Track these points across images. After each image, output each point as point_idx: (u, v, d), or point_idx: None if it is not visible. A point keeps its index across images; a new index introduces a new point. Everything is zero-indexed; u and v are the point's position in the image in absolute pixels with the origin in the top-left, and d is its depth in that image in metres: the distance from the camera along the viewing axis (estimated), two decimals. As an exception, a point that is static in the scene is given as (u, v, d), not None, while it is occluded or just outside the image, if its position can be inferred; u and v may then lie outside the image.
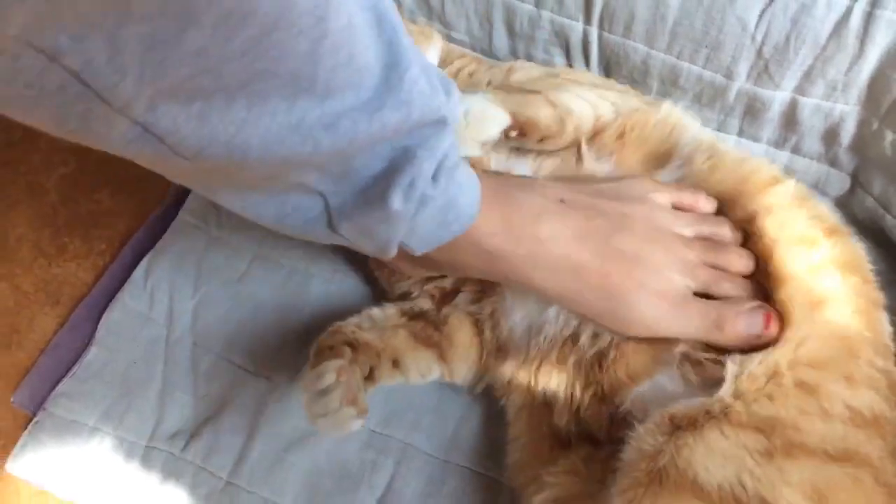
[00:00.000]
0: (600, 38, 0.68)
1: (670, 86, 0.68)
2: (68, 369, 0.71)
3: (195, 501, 0.64)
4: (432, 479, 0.64)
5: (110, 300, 0.74)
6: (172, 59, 0.34)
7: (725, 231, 0.57)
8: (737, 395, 0.48)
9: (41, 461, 0.67)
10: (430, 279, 0.63)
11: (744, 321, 0.52)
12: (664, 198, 0.57)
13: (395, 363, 0.60)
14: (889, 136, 0.61)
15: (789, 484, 0.44)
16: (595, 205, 0.56)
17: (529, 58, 0.73)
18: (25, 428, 0.69)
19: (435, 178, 0.48)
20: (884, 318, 0.54)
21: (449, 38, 0.75)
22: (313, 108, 0.40)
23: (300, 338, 0.70)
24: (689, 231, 0.56)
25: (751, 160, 0.60)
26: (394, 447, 0.66)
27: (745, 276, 0.56)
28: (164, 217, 0.79)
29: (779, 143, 0.68)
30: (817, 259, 0.52)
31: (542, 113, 0.57)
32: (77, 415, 0.68)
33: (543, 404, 0.59)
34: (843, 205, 0.69)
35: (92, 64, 0.32)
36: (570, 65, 0.72)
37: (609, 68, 0.70)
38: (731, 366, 0.49)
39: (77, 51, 0.32)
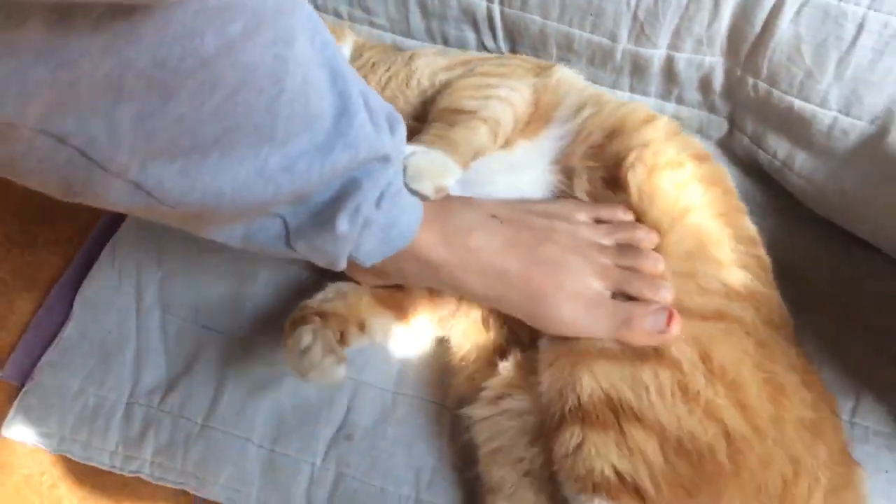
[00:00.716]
0: (502, 13, 0.77)
1: (566, 51, 0.77)
2: (50, 343, 0.79)
3: (175, 445, 0.72)
4: (384, 408, 0.74)
5: (82, 280, 0.82)
6: (157, 128, 0.41)
7: (641, 234, 0.65)
8: None
9: (33, 423, 0.74)
10: None
11: (650, 320, 0.60)
12: (584, 214, 0.66)
13: (361, 326, 0.68)
14: (750, 81, 0.71)
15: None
16: (524, 220, 0.64)
17: (445, 35, 0.82)
18: (14, 398, 0.77)
19: (378, 203, 0.55)
20: (746, 219, 0.66)
21: (371, 24, 0.83)
22: (274, 153, 0.48)
23: (258, 299, 0.79)
24: (607, 240, 0.65)
25: (629, 104, 0.70)
26: (348, 385, 0.75)
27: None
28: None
29: (665, 96, 0.78)
30: (683, 178, 0.63)
31: (483, 139, 0.66)
32: (62, 380, 0.76)
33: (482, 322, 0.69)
34: (726, 146, 0.80)
35: (94, 142, 0.40)
36: (481, 39, 0.81)
37: (513, 39, 0.80)
38: None
39: (81, 132, 0.40)
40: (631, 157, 0.65)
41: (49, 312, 0.82)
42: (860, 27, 0.63)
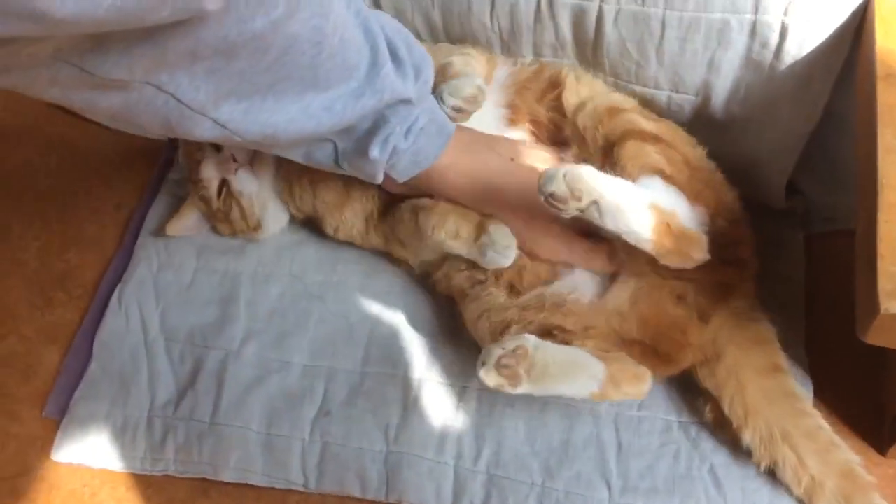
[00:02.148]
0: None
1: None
2: (79, 381, 0.96)
3: (191, 443, 0.89)
4: (353, 386, 0.90)
5: (97, 327, 0.99)
6: (224, 79, 0.59)
7: None
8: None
9: (76, 446, 0.91)
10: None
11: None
12: None
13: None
14: (601, 76, 0.89)
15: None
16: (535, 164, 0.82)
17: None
18: (57, 430, 0.94)
19: (406, 135, 0.74)
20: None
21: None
22: (317, 97, 0.66)
23: (241, 317, 0.96)
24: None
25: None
26: (322, 372, 0.92)
27: None
28: (123, 257, 1.05)
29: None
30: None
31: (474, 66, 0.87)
32: (93, 409, 0.93)
33: None
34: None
35: (181, 87, 0.58)
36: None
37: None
38: None
39: (172, 81, 0.57)
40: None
41: (74, 358, 0.99)
42: (663, 24, 0.80)
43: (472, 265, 0.85)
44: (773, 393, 0.78)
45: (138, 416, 0.92)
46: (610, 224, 0.70)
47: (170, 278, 1.01)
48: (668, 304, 0.78)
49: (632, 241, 0.71)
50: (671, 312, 0.78)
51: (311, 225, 1.01)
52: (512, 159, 0.83)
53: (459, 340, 0.91)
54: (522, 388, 0.71)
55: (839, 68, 0.77)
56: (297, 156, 0.74)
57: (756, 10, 0.76)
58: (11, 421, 0.96)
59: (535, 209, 0.74)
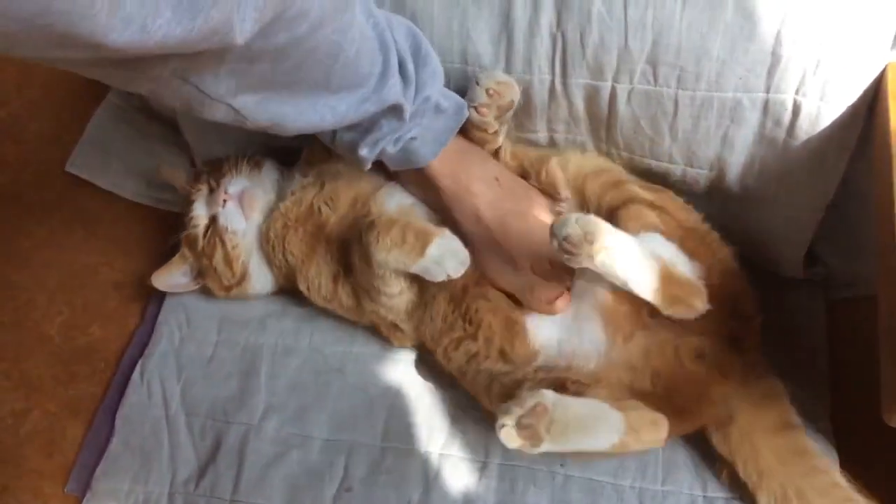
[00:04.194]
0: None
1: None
2: (101, 457, 0.96)
3: (212, 521, 0.89)
4: (374, 460, 0.90)
5: (119, 402, 1.00)
6: (245, 76, 0.64)
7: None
8: None
9: (97, 523, 0.92)
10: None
11: (545, 294, 0.82)
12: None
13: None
14: (614, 151, 0.90)
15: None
16: (515, 191, 0.88)
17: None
18: (80, 505, 0.94)
19: (396, 142, 0.80)
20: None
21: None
22: (326, 98, 0.72)
23: (261, 391, 0.97)
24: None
25: None
26: (343, 447, 0.92)
27: None
28: (145, 331, 1.06)
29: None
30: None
31: None
32: (114, 485, 0.93)
33: None
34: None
35: (204, 81, 0.62)
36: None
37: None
38: None
39: (197, 77, 0.62)
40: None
41: (96, 433, 0.99)
42: (676, 103, 0.82)
43: (463, 336, 0.86)
44: (786, 452, 0.78)
45: (159, 492, 0.92)
46: (619, 271, 0.72)
47: (191, 351, 1.02)
48: (686, 359, 0.79)
49: (639, 289, 0.73)
50: (690, 368, 0.79)
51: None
52: (496, 179, 0.87)
53: (479, 413, 0.91)
54: (544, 447, 0.70)
55: (853, 144, 0.78)
56: (297, 135, 0.79)
57: (768, 89, 0.77)
58: (35, 497, 0.96)
59: (499, 227, 0.84)
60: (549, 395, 0.72)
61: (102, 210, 1.18)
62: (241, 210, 0.96)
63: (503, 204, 0.86)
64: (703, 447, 0.84)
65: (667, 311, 0.75)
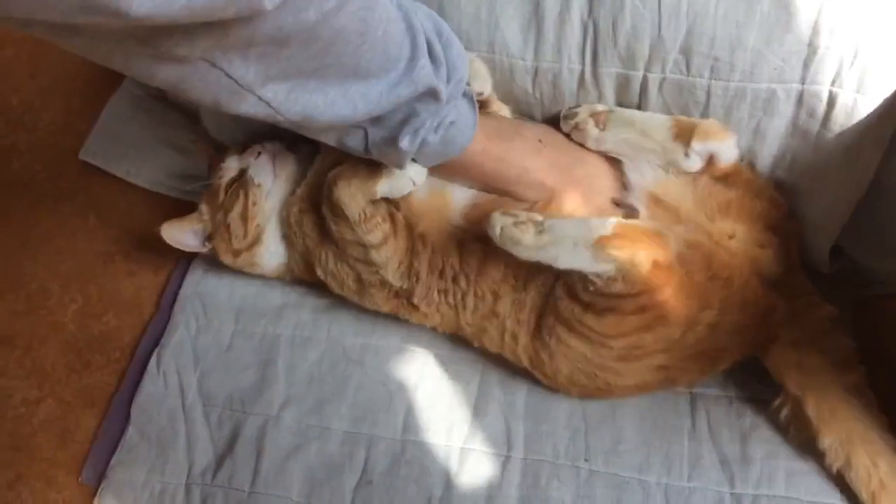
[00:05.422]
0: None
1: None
2: (116, 447, 0.95)
3: (230, 512, 0.88)
4: (394, 454, 0.89)
5: (135, 391, 0.99)
6: (274, 62, 0.62)
7: None
8: None
9: (112, 514, 0.91)
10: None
11: None
12: None
13: None
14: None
15: None
16: (561, 146, 0.87)
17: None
18: (94, 496, 0.93)
19: (436, 130, 0.77)
20: None
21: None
22: (356, 84, 0.69)
23: (279, 380, 0.96)
24: None
25: None
26: (362, 440, 0.90)
27: None
28: (160, 321, 1.04)
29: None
30: None
31: None
32: (130, 475, 0.92)
33: None
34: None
35: (233, 65, 0.61)
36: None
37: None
38: None
39: (225, 60, 0.60)
40: None
41: (112, 422, 0.98)
42: (708, 93, 0.81)
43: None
44: (854, 400, 0.81)
45: (176, 483, 0.91)
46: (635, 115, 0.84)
47: (208, 341, 1.01)
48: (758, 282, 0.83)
49: (656, 123, 0.83)
50: (761, 291, 0.83)
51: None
52: (540, 140, 0.86)
53: (502, 406, 0.90)
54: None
55: (888, 138, 0.77)
56: (330, 139, 0.78)
57: (804, 80, 0.76)
58: (49, 486, 0.95)
59: (568, 182, 0.84)
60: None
61: (117, 198, 1.17)
62: (272, 166, 0.95)
63: (559, 161, 0.86)
64: (729, 444, 0.83)
65: (698, 145, 0.81)
